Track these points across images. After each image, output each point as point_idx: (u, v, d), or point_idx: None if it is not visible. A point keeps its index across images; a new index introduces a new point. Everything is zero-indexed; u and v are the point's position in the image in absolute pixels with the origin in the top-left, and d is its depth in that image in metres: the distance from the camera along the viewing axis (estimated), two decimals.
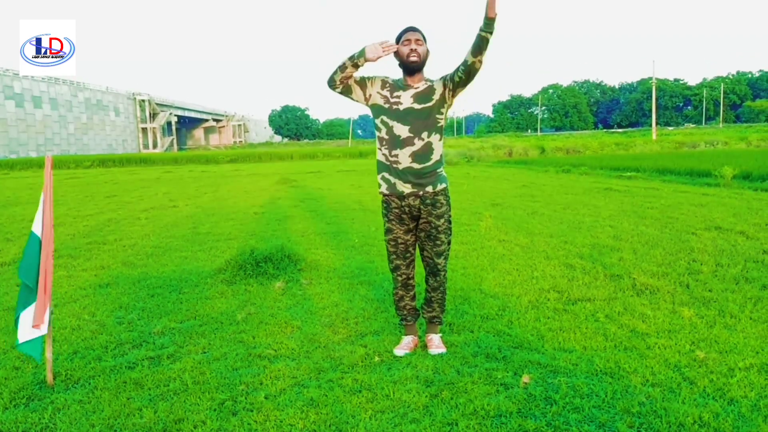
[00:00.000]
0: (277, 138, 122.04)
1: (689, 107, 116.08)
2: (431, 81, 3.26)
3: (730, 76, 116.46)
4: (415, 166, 3.17)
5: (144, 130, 76.60)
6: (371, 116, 3.32)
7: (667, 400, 2.66)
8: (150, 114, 77.09)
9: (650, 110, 69.90)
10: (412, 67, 3.18)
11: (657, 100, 69.73)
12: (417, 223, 3.34)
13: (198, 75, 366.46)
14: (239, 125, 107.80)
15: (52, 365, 3.11)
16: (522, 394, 2.77)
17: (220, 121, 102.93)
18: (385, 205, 3.35)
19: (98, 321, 4.15)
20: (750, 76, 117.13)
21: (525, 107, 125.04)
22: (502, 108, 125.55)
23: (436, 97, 3.19)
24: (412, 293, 3.48)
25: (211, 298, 4.65)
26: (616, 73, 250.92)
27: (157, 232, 8.17)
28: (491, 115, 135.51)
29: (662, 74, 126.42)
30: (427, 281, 3.46)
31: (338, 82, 3.20)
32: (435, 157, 3.21)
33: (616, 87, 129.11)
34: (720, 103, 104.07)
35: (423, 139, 3.17)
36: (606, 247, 6.10)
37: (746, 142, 32.45)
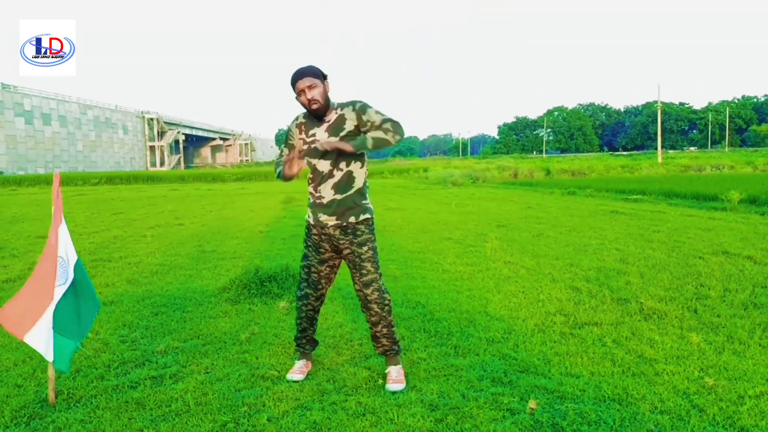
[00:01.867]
0: None
1: (695, 131, 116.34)
2: (341, 107, 3.19)
3: (736, 101, 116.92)
4: (338, 197, 3.15)
5: (152, 148, 77.30)
6: None
7: (676, 428, 2.62)
8: (158, 132, 77.85)
9: (655, 133, 70.00)
10: (316, 115, 3.16)
11: (662, 123, 69.89)
12: (337, 255, 3.30)
13: (206, 94, 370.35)
14: (246, 144, 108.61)
15: (54, 384, 3.09)
16: (529, 420, 2.73)
17: (227, 139, 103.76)
18: (306, 231, 3.33)
19: (101, 339, 4.13)
20: (756, 100, 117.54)
21: (530, 129, 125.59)
22: (507, 130, 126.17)
23: (349, 127, 3.14)
24: (315, 326, 3.47)
25: (215, 318, 4.63)
26: (621, 97, 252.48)
27: (163, 250, 8.18)
28: (497, 137, 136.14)
29: (667, 98, 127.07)
30: (366, 317, 3.31)
31: (296, 174, 3.21)
32: (357, 185, 3.19)
33: (622, 110, 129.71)
34: (726, 127, 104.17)
35: (342, 170, 3.14)
36: (612, 270, 6.06)
37: (752, 167, 32.36)
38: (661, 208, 12.79)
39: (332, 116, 3.17)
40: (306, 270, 3.33)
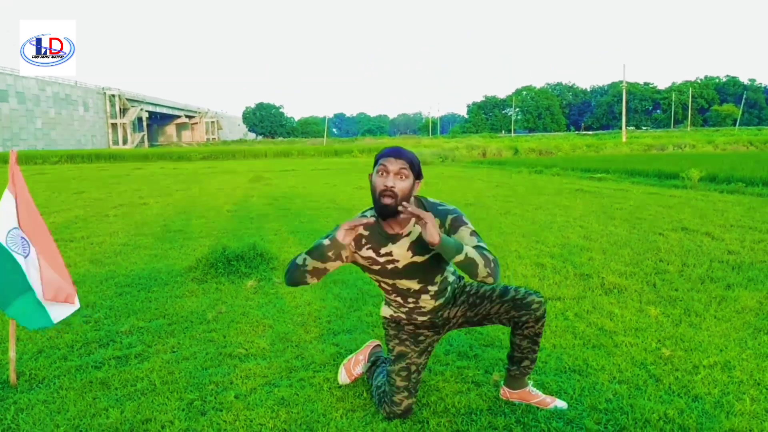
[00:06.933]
0: (251, 135, 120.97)
1: (658, 111, 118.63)
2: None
3: (699, 81, 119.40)
4: (440, 302, 2.59)
5: (114, 125, 75.25)
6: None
7: (633, 397, 2.71)
8: (120, 109, 75.75)
9: (620, 113, 71.20)
10: (383, 212, 2.31)
11: (627, 103, 71.06)
12: (443, 331, 2.73)
13: (171, 70, 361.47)
14: (212, 122, 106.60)
15: (16, 365, 3.03)
16: (493, 392, 2.80)
17: (193, 117, 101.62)
18: (392, 325, 2.68)
19: (64, 320, 4.04)
20: (717, 80, 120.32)
21: (499, 108, 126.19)
22: (476, 109, 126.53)
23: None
24: None
25: (181, 297, 4.58)
26: (587, 76, 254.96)
27: (127, 230, 8.03)
28: (466, 116, 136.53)
29: (632, 78, 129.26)
30: (519, 338, 2.60)
31: (311, 279, 2.50)
32: (450, 278, 2.61)
33: (588, 90, 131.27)
34: (688, 107, 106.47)
35: (436, 283, 2.52)
36: (576, 246, 6.19)
37: (713, 145, 33.23)
38: (624, 186, 13.06)
39: (413, 229, 2.40)
40: (404, 372, 2.58)
